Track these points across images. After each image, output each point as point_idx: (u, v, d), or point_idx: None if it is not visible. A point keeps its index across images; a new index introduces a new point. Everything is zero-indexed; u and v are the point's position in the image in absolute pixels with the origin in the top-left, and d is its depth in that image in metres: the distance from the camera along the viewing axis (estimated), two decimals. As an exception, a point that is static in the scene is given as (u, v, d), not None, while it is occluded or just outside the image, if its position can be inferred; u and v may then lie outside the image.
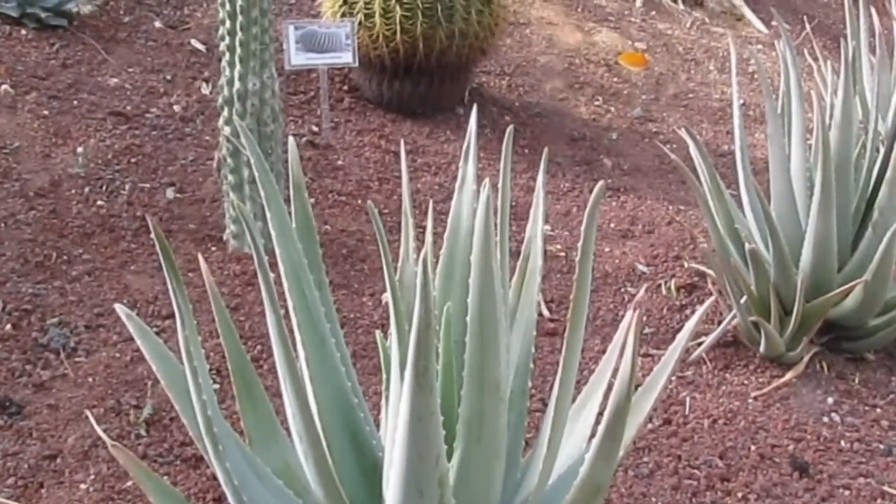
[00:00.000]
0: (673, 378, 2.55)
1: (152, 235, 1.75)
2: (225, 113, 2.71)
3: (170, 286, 1.41)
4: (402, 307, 1.42)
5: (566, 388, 1.44)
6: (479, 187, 1.63)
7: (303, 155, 3.38)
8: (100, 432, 1.61)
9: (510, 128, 1.57)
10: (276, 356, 1.40)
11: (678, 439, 2.32)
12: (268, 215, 1.52)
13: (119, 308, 1.71)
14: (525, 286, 1.72)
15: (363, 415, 1.59)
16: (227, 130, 2.74)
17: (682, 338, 1.65)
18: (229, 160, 2.75)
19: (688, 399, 2.48)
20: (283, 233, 1.53)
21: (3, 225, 2.77)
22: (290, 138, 1.70)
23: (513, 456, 1.65)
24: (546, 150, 1.65)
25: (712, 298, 1.62)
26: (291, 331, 1.50)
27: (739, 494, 2.16)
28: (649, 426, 2.35)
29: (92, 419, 1.80)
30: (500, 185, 1.56)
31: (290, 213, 1.60)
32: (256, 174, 1.51)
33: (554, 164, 3.73)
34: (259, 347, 2.43)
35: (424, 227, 1.78)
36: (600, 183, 1.37)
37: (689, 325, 1.65)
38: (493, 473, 1.46)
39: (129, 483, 2.01)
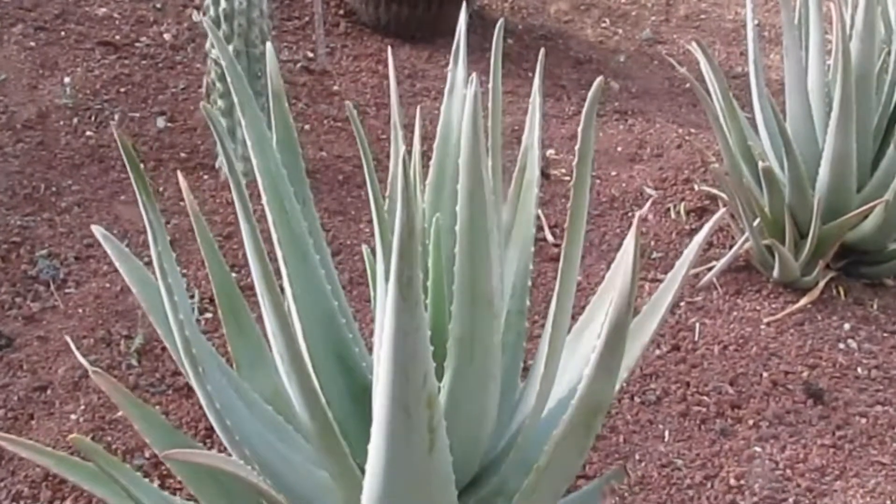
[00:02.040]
0: (682, 303, 2.47)
1: (142, 162, 1.66)
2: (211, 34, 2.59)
3: (139, 199, 1.32)
4: (384, 216, 1.33)
5: (564, 304, 1.35)
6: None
7: (297, 80, 3.28)
8: (82, 360, 1.54)
9: (500, 21, 1.45)
10: (252, 271, 1.31)
11: (687, 366, 2.24)
12: (242, 123, 1.42)
13: (96, 230, 1.64)
14: (521, 199, 1.63)
15: (352, 335, 1.50)
16: (214, 53, 2.63)
17: (689, 252, 1.56)
18: (218, 84, 2.65)
19: (697, 325, 2.39)
20: (260, 142, 1.43)
21: (-11, 156, 2.68)
22: (268, 44, 1.60)
23: (510, 378, 1.57)
24: (542, 50, 1.54)
25: (722, 211, 1.52)
26: (272, 248, 1.41)
27: (751, 422, 2.09)
28: (656, 352, 2.27)
29: (73, 347, 1.73)
30: (490, 87, 1.45)
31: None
32: (229, 79, 1.41)
33: (559, 88, 3.61)
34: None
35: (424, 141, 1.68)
36: (598, 79, 1.26)
37: (698, 238, 1.56)
38: (487, 395, 1.37)
39: (120, 413, 1.94)
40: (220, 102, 2.67)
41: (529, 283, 1.62)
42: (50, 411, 1.95)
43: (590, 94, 1.28)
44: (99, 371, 1.46)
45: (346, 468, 1.38)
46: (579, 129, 1.28)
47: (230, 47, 2.58)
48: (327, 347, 1.47)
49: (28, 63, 3.09)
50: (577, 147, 1.30)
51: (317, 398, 1.33)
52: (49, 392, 1.99)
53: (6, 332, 2.13)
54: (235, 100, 1.43)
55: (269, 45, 1.59)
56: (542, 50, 1.62)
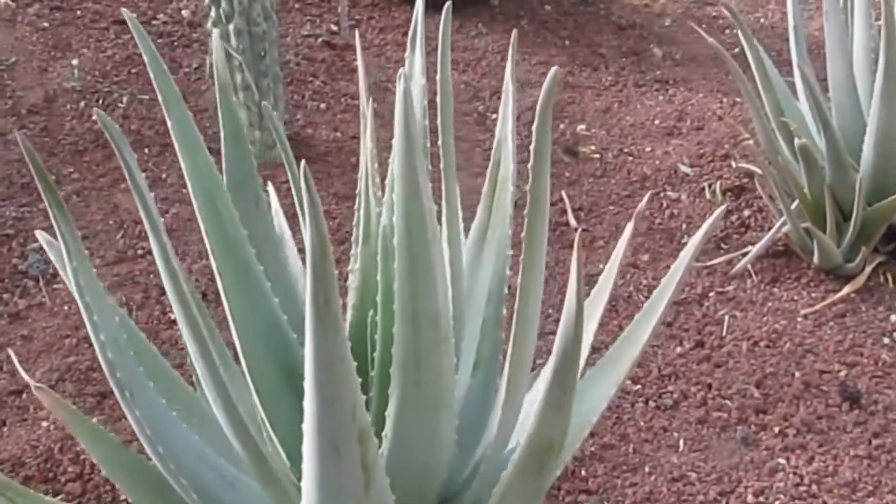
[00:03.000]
0: (711, 294, 2.28)
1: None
2: (212, 13, 2.47)
3: (51, 213, 1.20)
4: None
5: (524, 324, 1.19)
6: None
7: (317, 56, 3.14)
8: (26, 377, 1.44)
9: (448, 4, 1.29)
10: (168, 293, 1.18)
11: (710, 365, 2.05)
12: (168, 123, 1.29)
13: (40, 235, 1.54)
14: (497, 199, 1.47)
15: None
16: (216, 32, 2.50)
17: (684, 256, 1.39)
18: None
19: (726, 318, 2.20)
20: (188, 143, 1.30)
21: (-9, 145, 2.61)
22: (214, 31, 1.46)
23: (483, 397, 1.43)
24: (515, 32, 1.38)
25: (721, 209, 1.35)
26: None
27: (776, 429, 1.90)
28: (677, 350, 2.09)
29: (16, 362, 1.63)
30: (438, 79, 1.29)
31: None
32: (152, 74, 1.28)
33: (597, 57, 3.40)
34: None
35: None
36: (553, 69, 1.10)
37: (694, 240, 1.39)
38: (438, 423, 1.23)
39: (94, 420, 1.84)
40: (223, 83, 2.54)
41: (506, 290, 1.47)
42: (23, 417, 1.86)
43: (543, 88, 1.12)
44: (41, 387, 1.36)
45: (286, 499, 1.25)
46: (534, 127, 1.11)
47: (231, 25, 2.45)
48: (273, 366, 1.34)
49: (40, 45, 3.01)
50: (531, 147, 1.13)
51: (245, 429, 1.20)
52: (24, 396, 1.91)
53: (-11, 331, 2.06)
54: (160, 97, 1.29)
55: (215, 31, 1.46)
56: (515, 32, 1.46)
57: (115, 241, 2.33)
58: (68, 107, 2.75)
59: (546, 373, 1.06)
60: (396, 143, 1.09)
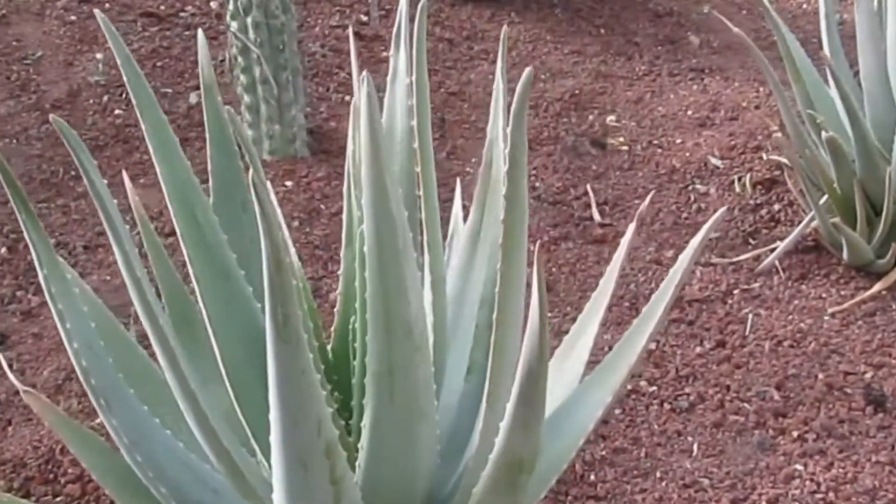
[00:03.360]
0: (735, 291, 2.21)
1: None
2: (231, 5, 2.45)
3: (20, 220, 1.18)
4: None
5: (504, 332, 1.14)
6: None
7: (344, 48, 3.11)
8: (15, 382, 1.42)
9: (423, 2, 1.25)
10: (134, 302, 1.16)
11: (730, 366, 1.99)
12: (143, 126, 1.27)
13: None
14: (489, 200, 1.42)
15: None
16: (234, 26, 2.48)
17: (681, 263, 1.33)
18: (239, 58, 2.50)
19: (750, 316, 2.13)
20: (163, 146, 1.27)
21: (14, 141, 2.62)
22: (199, 31, 1.43)
23: (474, 405, 1.38)
24: (505, 28, 1.33)
25: (722, 211, 1.29)
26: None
27: (795, 433, 1.83)
28: (697, 350, 2.03)
29: (6, 366, 1.62)
30: (414, 80, 1.24)
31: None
32: (125, 77, 1.26)
33: (631, 45, 3.32)
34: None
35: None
36: (528, 70, 1.04)
37: (694, 243, 1.33)
38: (414, 434, 1.19)
39: (97, 421, 1.84)
40: (242, 77, 2.53)
41: (497, 289, 1.42)
42: (28, 416, 1.86)
43: (518, 88, 1.06)
44: (29, 391, 1.35)
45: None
46: (508, 131, 1.06)
47: (248, 18, 2.43)
48: (253, 374, 1.30)
49: (66, 38, 3.02)
50: (507, 151, 1.08)
51: (218, 442, 1.17)
52: (33, 390, 1.90)
53: (1, 328, 2.06)
54: (134, 101, 1.27)
55: (199, 32, 1.43)
56: (505, 28, 1.41)
57: (132, 238, 2.33)
58: (91, 101, 2.76)
59: (512, 392, 1.02)
60: (362, 148, 1.05)
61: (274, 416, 1.06)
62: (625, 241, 1.43)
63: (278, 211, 1.55)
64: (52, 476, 1.71)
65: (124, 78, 1.25)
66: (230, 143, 1.40)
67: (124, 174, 1.58)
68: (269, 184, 1.69)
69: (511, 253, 1.13)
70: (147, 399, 1.31)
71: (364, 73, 1.05)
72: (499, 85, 1.39)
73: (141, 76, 1.26)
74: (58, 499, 1.68)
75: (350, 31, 1.43)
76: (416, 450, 1.20)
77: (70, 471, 1.71)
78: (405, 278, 1.10)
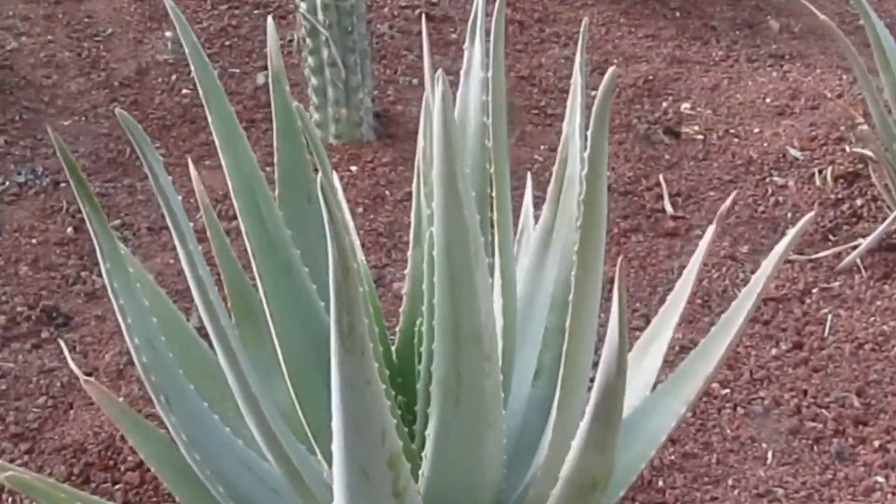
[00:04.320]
0: (813, 290, 2.12)
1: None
2: (299, -15, 2.41)
3: (83, 210, 1.16)
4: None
5: (577, 340, 1.09)
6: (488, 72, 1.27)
7: (413, 29, 3.05)
8: (75, 370, 1.41)
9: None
10: (196, 301, 1.12)
11: (808, 369, 1.91)
12: (209, 117, 1.23)
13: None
14: (563, 198, 1.36)
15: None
16: (303, 7, 2.44)
17: (767, 265, 1.27)
18: (308, 40, 2.46)
19: (829, 317, 2.04)
20: (229, 139, 1.24)
21: (83, 119, 2.61)
22: (269, 18, 1.39)
23: (542, 410, 1.33)
24: (585, 20, 1.27)
25: (809, 216, 1.22)
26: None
27: (876, 443, 1.75)
28: (773, 351, 1.95)
29: (69, 358, 1.60)
30: (490, 76, 1.19)
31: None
32: (193, 66, 1.22)
33: (708, 30, 3.22)
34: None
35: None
36: (611, 69, 0.98)
37: (778, 249, 1.26)
38: (481, 444, 1.14)
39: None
40: (309, 59, 2.49)
41: (572, 296, 1.36)
42: (89, 401, 1.85)
43: (600, 89, 1.00)
44: (91, 381, 1.34)
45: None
46: (589, 133, 1.00)
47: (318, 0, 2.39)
48: (316, 373, 1.27)
49: (137, 15, 3.01)
50: (586, 154, 1.02)
51: (278, 444, 1.14)
52: (92, 379, 1.90)
53: (65, 309, 2.05)
54: (201, 91, 1.23)
55: (269, 18, 1.38)
56: (585, 20, 1.34)
57: (195, 220, 2.31)
58: (159, 80, 2.74)
59: (588, 409, 0.97)
60: (435, 151, 1.00)
61: (336, 424, 1.03)
62: (704, 243, 1.36)
63: (345, 207, 1.51)
64: (111, 463, 1.70)
65: (192, 67, 1.21)
66: (297, 135, 1.36)
67: (190, 163, 1.56)
68: (335, 174, 1.66)
69: (587, 258, 1.07)
70: (207, 394, 1.28)
71: (439, 71, 0.99)
72: (577, 78, 1.34)
73: (208, 66, 1.22)
74: (117, 486, 1.66)
75: (423, 17, 1.37)
76: (481, 460, 1.15)
77: (130, 458, 1.70)
78: (476, 285, 1.05)
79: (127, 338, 1.18)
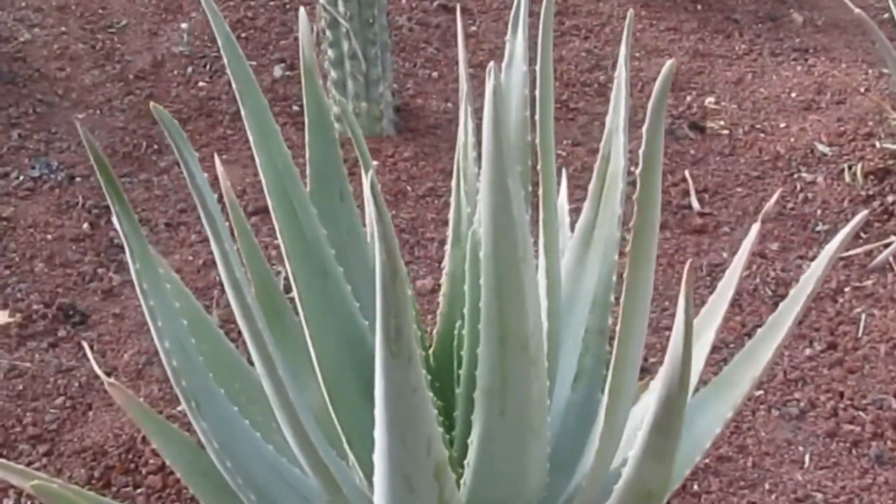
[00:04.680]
0: (846, 289, 2.07)
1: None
2: (319, -23, 2.36)
3: (113, 210, 1.11)
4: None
5: (626, 347, 1.04)
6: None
7: (432, 21, 3.01)
8: (99, 372, 1.37)
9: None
10: (232, 304, 1.08)
11: (843, 370, 1.87)
12: (242, 112, 1.19)
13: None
14: (605, 195, 1.32)
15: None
16: (322, -2, 2.39)
17: (819, 264, 1.22)
18: (328, 32, 2.42)
19: (863, 316, 2.00)
20: (263, 134, 1.19)
21: (98, 112, 2.57)
22: (301, 9, 1.35)
23: (582, 416, 1.29)
24: (630, 12, 1.22)
25: (864, 214, 1.17)
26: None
27: (916, 447, 1.71)
28: (807, 352, 1.91)
29: (91, 358, 1.56)
30: (538, 69, 1.14)
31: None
32: (225, 59, 1.17)
33: (730, 23, 3.17)
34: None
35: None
36: (670, 62, 0.93)
37: (830, 248, 1.22)
38: (525, 453, 1.10)
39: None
40: (329, 52, 2.44)
41: (612, 297, 1.32)
42: (109, 401, 1.81)
43: (657, 84, 0.95)
44: (115, 383, 1.29)
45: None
46: (644, 129, 0.96)
47: (338, -11, 2.34)
48: (351, 378, 1.23)
49: (151, 7, 2.96)
50: (641, 151, 0.97)
51: (315, 452, 1.10)
52: (111, 379, 1.86)
53: (82, 307, 2.01)
54: (235, 86, 1.19)
55: (301, 10, 1.34)
56: (631, 12, 1.29)
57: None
58: (175, 72, 2.70)
59: (647, 419, 0.92)
60: (485, 148, 0.95)
61: (380, 432, 0.98)
62: (747, 243, 1.31)
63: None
64: (132, 466, 1.66)
65: (224, 60, 1.16)
66: (330, 130, 1.31)
67: (216, 158, 1.52)
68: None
69: (639, 260, 1.02)
70: (236, 396, 1.24)
71: (491, 64, 0.94)
72: (621, 72, 1.28)
73: (242, 58, 1.18)
74: (138, 490, 1.62)
75: (458, 7, 1.33)
76: (525, 468, 1.11)
77: (151, 461, 1.66)
78: (524, 288, 1.01)
79: (157, 341, 1.14)
